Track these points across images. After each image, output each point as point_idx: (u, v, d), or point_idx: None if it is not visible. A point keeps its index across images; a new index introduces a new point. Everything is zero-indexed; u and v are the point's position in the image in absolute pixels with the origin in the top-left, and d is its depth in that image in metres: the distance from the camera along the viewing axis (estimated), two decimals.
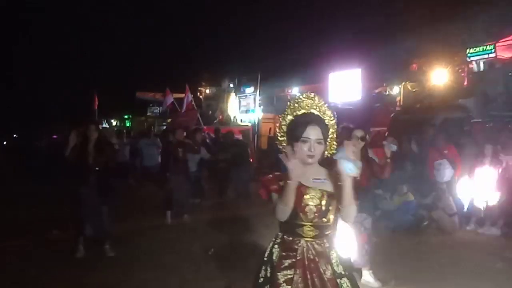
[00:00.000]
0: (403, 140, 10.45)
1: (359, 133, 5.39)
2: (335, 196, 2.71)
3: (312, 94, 2.90)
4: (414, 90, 19.36)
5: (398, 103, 20.23)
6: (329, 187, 2.76)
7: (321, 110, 2.85)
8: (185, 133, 9.74)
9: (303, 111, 2.84)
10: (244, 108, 28.16)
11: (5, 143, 29.64)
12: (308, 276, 2.67)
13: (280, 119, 2.92)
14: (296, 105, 2.86)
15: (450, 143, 9.04)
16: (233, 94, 30.29)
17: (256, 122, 22.79)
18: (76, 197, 6.57)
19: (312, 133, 2.72)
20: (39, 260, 6.43)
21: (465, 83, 17.15)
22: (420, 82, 18.94)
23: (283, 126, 2.88)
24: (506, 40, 16.28)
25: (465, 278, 5.60)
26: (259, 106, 24.62)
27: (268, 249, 2.84)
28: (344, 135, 5.43)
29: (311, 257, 2.72)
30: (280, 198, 2.66)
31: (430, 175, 8.76)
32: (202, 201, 10.85)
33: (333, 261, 2.75)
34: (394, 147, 5.51)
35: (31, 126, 27.47)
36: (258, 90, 24.29)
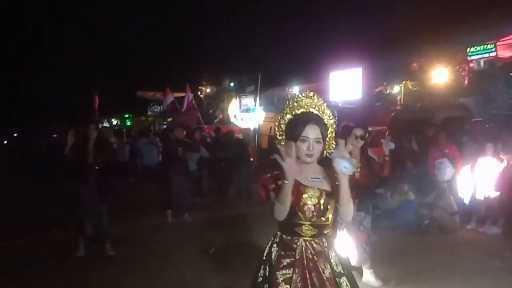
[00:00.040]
0: (403, 139, 10.46)
1: (358, 131, 5.38)
2: (334, 195, 2.70)
3: (311, 93, 2.89)
4: (414, 89, 19.35)
5: (398, 102, 20.22)
6: (327, 186, 2.75)
7: (320, 109, 2.84)
8: (185, 132, 9.73)
9: (302, 110, 2.83)
10: (244, 107, 28.14)
11: (5, 142, 29.63)
12: (307, 275, 2.67)
13: (279, 118, 2.91)
14: (295, 104, 2.85)
15: (451, 142, 9.04)
16: (233, 93, 30.27)
17: (257, 127, 22.64)
18: (76, 197, 6.56)
19: (311, 132, 2.72)
20: (39, 260, 6.43)
21: (466, 82, 17.15)
22: (420, 81, 18.93)
23: (282, 125, 2.88)
24: (506, 39, 16.27)
25: (465, 277, 5.59)
26: (260, 106, 24.60)
27: (267, 248, 2.84)
28: (344, 134, 5.43)
29: (310, 256, 2.71)
30: (277, 198, 2.66)
31: (431, 174, 8.75)
32: (202, 200, 10.85)
33: (332, 260, 2.74)
34: (392, 145, 5.50)
35: (31, 126, 27.47)
36: (258, 89, 24.28)
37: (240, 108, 28.72)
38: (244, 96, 28.72)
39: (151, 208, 9.75)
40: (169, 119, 22.78)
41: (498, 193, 8.02)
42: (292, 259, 2.71)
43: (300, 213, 2.71)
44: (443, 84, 17.39)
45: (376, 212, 8.73)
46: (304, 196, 2.72)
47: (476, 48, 16.83)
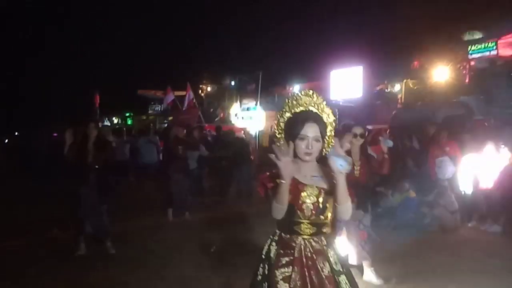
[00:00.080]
0: (404, 138, 10.45)
1: (358, 130, 5.38)
2: (333, 194, 2.70)
3: (311, 92, 2.88)
4: (415, 87, 19.35)
5: (399, 101, 20.22)
6: (326, 184, 2.74)
7: (319, 108, 2.83)
8: (185, 131, 9.73)
9: (301, 108, 2.82)
10: (245, 106, 28.13)
11: (6, 141, 29.65)
12: (306, 274, 2.67)
13: (278, 116, 2.90)
14: (294, 102, 2.85)
15: (452, 140, 9.03)
16: (234, 92, 30.28)
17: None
18: (76, 196, 6.56)
19: (310, 130, 2.71)
20: (39, 259, 6.42)
21: (467, 80, 17.13)
22: (421, 80, 18.93)
23: (281, 124, 2.87)
24: (507, 38, 16.25)
25: (466, 275, 5.58)
26: (260, 104, 24.60)
27: (266, 247, 2.83)
28: (345, 132, 5.44)
29: (309, 254, 2.71)
30: (274, 197, 2.65)
31: (432, 173, 8.74)
32: (203, 199, 10.84)
33: (331, 258, 2.74)
34: (390, 143, 5.50)
35: (32, 125, 27.47)
36: (259, 88, 24.28)
37: (240, 106, 28.72)
38: (244, 95, 28.71)
39: (151, 207, 9.75)
40: (170, 118, 22.75)
41: (497, 188, 8.01)
42: (291, 258, 2.70)
43: (298, 212, 2.71)
44: (444, 83, 17.38)
45: (377, 210, 8.75)
46: (303, 194, 2.72)
47: (477, 47, 16.82)
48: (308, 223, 2.73)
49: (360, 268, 5.47)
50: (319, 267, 2.69)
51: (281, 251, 2.74)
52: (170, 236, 7.78)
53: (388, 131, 13.51)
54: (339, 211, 2.72)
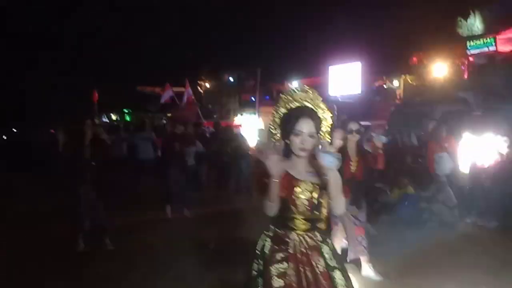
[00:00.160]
0: (403, 133, 10.47)
1: (353, 126, 5.39)
2: (326, 189, 2.70)
3: (306, 87, 2.89)
4: (414, 83, 19.36)
5: (398, 97, 20.24)
6: (321, 180, 2.74)
7: (314, 103, 2.84)
8: (183, 127, 9.71)
9: (296, 104, 2.83)
10: (244, 102, 28.12)
11: (4, 137, 29.56)
12: (301, 269, 2.68)
13: (274, 112, 2.90)
14: (289, 98, 2.85)
15: (451, 136, 9.02)
16: (233, 88, 30.26)
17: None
18: (74, 192, 6.56)
19: (305, 126, 2.72)
20: (38, 254, 6.42)
21: (465, 76, 17.13)
22: (420, 76, 18.95)
23: (276, 119, 2.88)
24: (506, 33, 16.24)
25: (465, 271, 5.59)
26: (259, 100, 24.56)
27: (260, 243, 2.84)
28: (342, 128, 5.46)
29: (303, 250, 2.72)
30: (265, 194, 2.66)
31: (430, 168, 8.73)
32: (202, 195, 10.83)
33: (326, 254, 2.75)
34: (384, 139, 5.51)
35: (30, 121, 27.44)
36: (258, 84, 24.26)
37: (239, 103, 28.71)
38: (243, 91, 28.70)
39: (149, 203, 9.72)
40: (169, 114, 22.73)
41: (496, 184, 8.03)
42: (286, 254, 2.71)
43: (293, 207, 2.72)
44: (442, 78, 17.40)
45: (375, 206, 8.76)
46: (297, 190, 2.73)
47: (475, 42, 16.81)
48: (302, 218, 2.74)
49: (358, 264, 5.48)
50: (313, 263, 2.70)
51: (276, 247, 2.75)
52: (168, 232, 7.77)
53: (387, 127, 13.54)
54: (332, 206, 2.74)
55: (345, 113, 13.18)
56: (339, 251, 5.19)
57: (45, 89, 32.80)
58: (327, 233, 2.89)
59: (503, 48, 16.19)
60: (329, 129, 2.87)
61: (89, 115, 7.56)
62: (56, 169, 7.91)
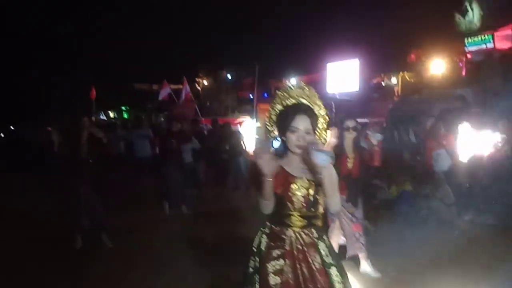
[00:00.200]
0: (401, 131, 10.47)
1: (350, 123, 5.39)
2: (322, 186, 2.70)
3: (302, 84, 2.89)
4: (412, 80, 19.36)
5: (396, 94, 20.23)
6: (317, 176, 2.73)
7: (311, 100, 2.83)
8: (179, 124, 9.70)
9: (292, 100, 2.82)
10: (242, 99, 28.09)
11: (2, 135, 29.50)
12: (297, 266, 2.68)
13: (270, 108, 2.90)
14: (285, 94, 2.85)
15: (448, 133, 9.03)
16: (231, 85, 30.22)
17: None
18: (71, 189, 6.55)
19: (301, 123, 2.71)
20: (37, 253, 6.40)
21: (463, 73, 17.13)
22: (418, 72, 18.95)
23: (272, 116, 2.87)
24: (504, 30, 16.23)
25: (462, 268, 5.59)
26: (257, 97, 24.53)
27: (257, 239, 2.85)
28: (339, 125, 5.46)
29: (300, 247, 2.72)
30: (260, 192, 2.67)
31: (428, 165, 8.74)
32: (200, 192, 10.83)
33: (322, 251, 2.75)
34: (379, 136, 5.50)
35: (27, 119, 27.38)
36: (256, 81, 24.23)
37: (237, 100, 28.68)
38: (241, 88, 28.67)
39: (147, 201, 9.71)
40: (166, 112, 22.73)
41: (493, 181, 8.04)
42: (282, 250, 2.72)
43: (289, 204, 2.72)
44: (440, 75, 17.39)
45: (373, 203, 8.77)
46: (293, 186, 2.73)
47: (473, 39, 16.80)
48: (298, 215, 2.74)
49: (356, 260, 5.49)
50: (310, 259, 2.71)
51: (272, 244, 2.75)
52: (166, 230, 7.77)
53: (385, 124, 13.53)
54: (327, 203, 2.74)
55: (343, 110, 13.20)
56: (336, 248, 5.20)
57: (43, 87, 32.78)
58: (323, 230, 2.89)
59: (501, 45, 16.18)
60: (325, 126, 2.86)
61: (86, 113, 7.52)
62: (53, 167, 7.88)
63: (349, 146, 5.36)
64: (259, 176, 2.65)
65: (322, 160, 2.52)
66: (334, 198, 2.71)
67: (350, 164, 5.28)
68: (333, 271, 2.71)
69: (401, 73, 20.09)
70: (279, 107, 2.84)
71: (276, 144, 2.78)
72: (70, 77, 31.75)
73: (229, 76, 32.04)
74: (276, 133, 2.84)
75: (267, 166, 2.57)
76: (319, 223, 2.82)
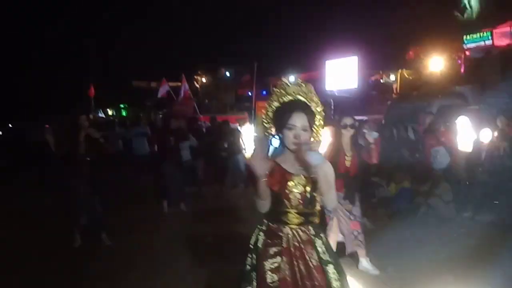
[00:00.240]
0: (400, 128, 10.46)
1: (348, 120, 5.37)
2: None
3: (299, 80, 2.88)
4: (410, 77, 19.36)
5: (394, 91, 20.23)
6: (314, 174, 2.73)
7: (308, 97, 2.82)
8: (177, 122, 9.69)
9: (289, 97, 2.81)
10: (240, 97, 28.08)
11: (0, 133, 29.44)
12: (295, 263, 2.68)
13: (267, 105, 2.89)
14: (282, 91, 2.84)
15: (447, 130, 9.02)
16: (229, 83, 30.19)
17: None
18: (70, 189, 6.55)
19: (298, 120, 2.70)
20: (36, 251, 6.40)
21: (462, 70, 17.13)
22: (416, 70, 18.95)
23: (269, 113, 2.86)
24: (503, 27, 16.23)
25: (462, 265, 5.59)
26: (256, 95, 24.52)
27: (254, 237, 2.85)
28: (337, 122, 5.46)
29: (297, 244, 2.72)
30: (255, 191, 2.69)
31: (427, 162, 8.74)
32: (198, 190, 10.82)
33: (319, 248, 2.74)
34: (375, 134, 5.49)
35: (26, 116, 27.34)
36: (255, 79, 24.21)
37: (236, 97, 28.67)
38: (240, 86, 28.66)
39: (146, 198, 9.72)
40: (164, 110, 22.67)
41: (492, 177, 8.04)
42: (279, 248, 2.71)
43: (285, 201, 2.72)
44: (439, 72, 17.39)
45: (372, 200, 8.78)
46: (290, 184, 2.73)
47: (472, 36, 16.80)
48: (295, 212, 2.74)
49: (355, 258, 5.49)
50: (307, 256, 2.70)
51: (269, 241, 2.75)
52: (165, 228, 7.77)
53: (383, 121, 13.52)
54: (323, 201, 2.76)
55: (341, 108, 13.20)
56: (334, 246, 5.20)
57: (41, 85, 32.75)
58: (320, 227, 2.89)
59: (500, 42, 16.19)
60: (322, 123, 2.85)
61: (84, 111, 7.51)
62: (51, 166, 7.88)
63: (347, 144, 5.35)
64: (253, 177, 2.65)
65: (315, 159, 2.54)
66: (329, 196, 2.72)
67: (348, 162, 5.28)
68: (330, 268, 2.71)
69: (399, 70, 20.09)
70: (276, 104, 2.83)
71: (275, 142, 2.78)
72: (69, 75, 31.73)
73: (227, 73, 32.03)
74: (273, 130, 2.83)
75: (260, 167, 2.58)
76: (316, 220, 2.82)
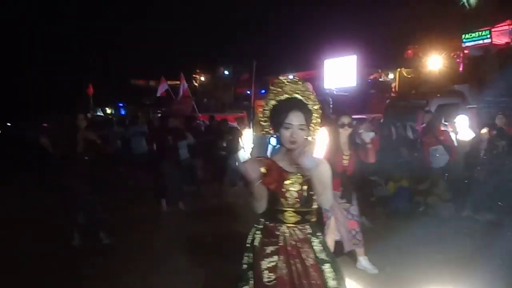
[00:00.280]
0: (398, 127, 10.46)
1: (345, 119, 5.36)
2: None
3: (296, 78, 2.86)
4: (409, 76, 19.34)
5: (393, 89, 20.22)
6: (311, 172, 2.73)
7: (304, 95, 2.81)
8: (175, 121, 9.68)
9: (286, 96, 2.79)
10: (238, 95, 28.07)
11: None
12: (291, 262, 2.69)
13: (264, 104, 2.87)
14: (278, 89, 2.81)
15: (446, 128, 9.03)
16: (228, 81, 30.18)
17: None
18: (67, 187, 6.54)
19: (295, 119, 2.70)
20: (34, 250, 6.38)
21: (461, 69, 17.13)
22: (415, 68, 18.93)
23: (266, 111, 2.84)
24: (502, 26, 16.23)
25: (461, 265, 5.59)
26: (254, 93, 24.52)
27: (251, 235, 2.85)
28: (333, 121, 5.46)
29: (293, 243, 2.73)
30: (250, 194, 2.71)
31: (426, 161, 8.74)
32: (197, 189, 10.82)
33: (315, 247, 2.75)
34: (372, 134, 5.47)
35: (24, 115, 27.30)
36: (253, 77, 24.20)
37: (234, 96, 28.65)
38: (238, 84, 28.64)
39: (145, 197, 9.71)
40: (163, 109, 22.66)
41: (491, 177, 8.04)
42: (276, 247, 2.71)
43: (282, 199, 2.72)
44: (438, 71, 17.38)
45: (371, 199, 8.78)
46: (287, 182, 2.72)
47: (471, 35, 16.79)
48: (292, 211, 2.74)
49: (353, 257, 5.48)
50: (304, 255, 2.71)
51: (266, 240, 2.76)
52: (164, 226, 7.78)
53: (382, 120, 13.51)
54: (319, 201, 2.77)
55: (340, 106, 13.18)
56: (333, 245, 5.20)
57: (39, 83, 32.71)
58: (317, 225, 2.89)
59: (498, 40, 16.19)
60: (319, 121, 2.84)
61: (81, 110, 7.50)
62: (51, 165, 7.86)
63: (345, 143, 5.35)
64: (247, 180, 2.67)
65: (309, 163, 2.56)
66: (325, 196, 2.73)
67: (345, 161, 5.27)
68: (327, 267, 2.71)
69: (398, 69, 20.06)
70: (273, 102, 2.81)
71: (273, 141, 2.80)
72: (68, 74, 31.70)
73: (226, 72, 32.02)
74: (270, 129, 2.83)
75: (252, 171, 2.60)
76: (313, 219, 2.82)
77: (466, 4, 17.52)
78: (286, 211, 2.73)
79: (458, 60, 17.54)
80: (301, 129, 2.69)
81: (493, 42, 16.13)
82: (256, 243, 2.77)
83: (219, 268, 5.51)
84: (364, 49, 21.04)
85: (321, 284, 2.67)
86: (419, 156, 9.07)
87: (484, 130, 8.48)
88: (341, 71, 21.58)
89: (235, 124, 13.42)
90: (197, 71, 33.19)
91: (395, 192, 8.45)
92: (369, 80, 22.13)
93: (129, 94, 36.00)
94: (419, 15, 17.87)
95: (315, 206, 2.79)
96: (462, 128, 9.00)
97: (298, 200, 2.72)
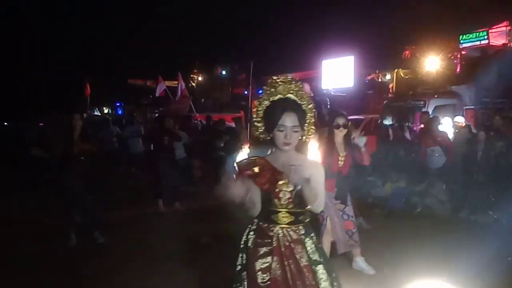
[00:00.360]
0: (396, 127, 10.47)
1: (340, 120, 5.33)
2: (311, 182, 2.67)
3: (289, 78, 2.84)
4: (406, 77, 19.33)
5: (390, 90, 20.21)
6: (304, 173, 2.70)
7: (298, 95, 2.78)
8: (172, 121, 9.68)
9: (279, 96, 2.77)
10: (236, 95, 28.04)
11: None
12: (285, 263, 2.68)
13: (257, 104, 2.84)
14: (272, 89, 2.79)
15: (443, 130, 9.04)
16: (225, 81, 30.15)
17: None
18: (63, 186, 6.53)
19: (288, 120, 2.68)
20: (29, 249, 6.37)
21: (458, 70, 17.14)
22: (412, 69, 18.91)
23: (259, 112, 2.82)
24: (499, 27, 16.25)
25: (458, 265, 5.58)
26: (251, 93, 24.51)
27: (244, 236, 2.85)
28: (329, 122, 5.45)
29: (287, 243, 2.72)
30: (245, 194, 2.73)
31: (423, 162, 8.75)
32: (194, 189, 10.81)
33: (309, 248, 2.74)
34: (364, 139, 5.44)
35: (21, 114, 27.25)
36: (251, 78, 24.20)
37: (232, 96, 28.63)
38: (236, 85, 28.62)
39: (141, 197, 9.70)
40: (161, 108, 22.63)
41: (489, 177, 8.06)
42: (270, 248, 2.70)
43: (275, 200, 2.72)
44: (435, 72, 17.37)
45: (368, 200, 8.78)
46: (280, 182, 2.71)
47: (468, 36, 16.80)
48: (285, 212, 2.73)
49: (349, 257, 5.48)
50: (297, 256, 2.70)
51: (259, 240, 2.75)
52: (160, 226, 7.75)
53: (379, 121, 13.53)
54: (311, 208, 2.76)
55: (337, 107, 13.18)
56: (329, 246, 5.18)
57: (36, 82, 32.65)
58: (311, 226, 2.87)
59: (496, 41, 16.21)
60: (313, 121, 2.82)
61: (77, 109, 7.51)
62: (50, 165, 7.84)
63: (340, 144, 5.33)
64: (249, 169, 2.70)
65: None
66: (315, 205, 2.73)
67: (341, 162, 5.25)
68: (320, 268, 2.70)
69: (395, 69, 20.05)
70: (266, 102, 2.78)
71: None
72: (66, 73, 31.64)
73: (223, 72, 31.96)
74: (263, 130, 2.80)
75: (237, 193, 2.71)
76: (306, 219, 2.81)
77: None
78: (279, 211, 2.72)
79: (455, 61, 17.54)
80: (294, 131, 2.69)
81: (490, 43, 16.14)
82: (250, 243, 2.76)
83: (216, 267, 5.51)
84: (361, 50, 21.07)
85: (315, 285, 2.67)
86: (416, 156, 9.07)
87: (482, 133, 8.49)
88: (338, 71, 21.59)
89: (232, 124, 13.42)
90: (195, 71, 33.12)
91: (392, 193, 8.45)
92: (367, 81, 22.13)
93: (126, 94, 35.93)
94: (416, 16, 17.89)
95: (308, 207, 2.78)
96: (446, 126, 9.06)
97: (291, 200, 2.70)
